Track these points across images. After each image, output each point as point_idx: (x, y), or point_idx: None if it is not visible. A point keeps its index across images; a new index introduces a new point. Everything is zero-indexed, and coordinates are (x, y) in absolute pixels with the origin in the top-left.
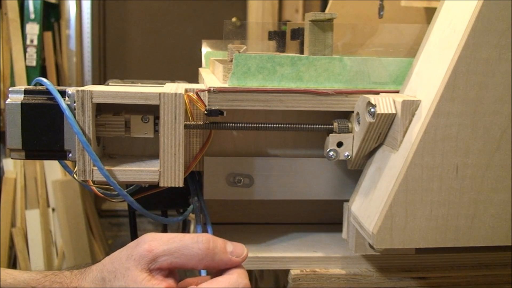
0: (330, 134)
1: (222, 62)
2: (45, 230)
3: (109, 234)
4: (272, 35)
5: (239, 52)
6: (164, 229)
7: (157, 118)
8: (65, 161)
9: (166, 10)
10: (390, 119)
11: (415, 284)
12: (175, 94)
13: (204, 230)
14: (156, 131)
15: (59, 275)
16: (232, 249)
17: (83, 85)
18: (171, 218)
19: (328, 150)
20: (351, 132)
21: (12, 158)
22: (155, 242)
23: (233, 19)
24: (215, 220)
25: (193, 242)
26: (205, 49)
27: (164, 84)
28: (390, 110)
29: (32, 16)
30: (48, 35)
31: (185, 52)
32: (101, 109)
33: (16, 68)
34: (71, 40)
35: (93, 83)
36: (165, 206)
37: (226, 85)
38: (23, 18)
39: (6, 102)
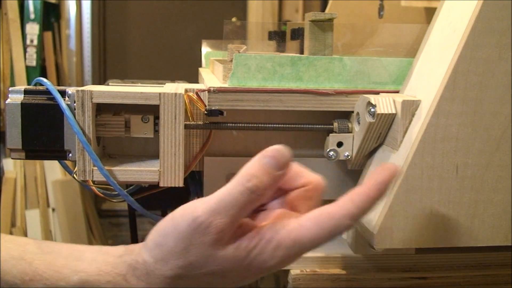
0: (330, 134)
1: (222, 62)
2: (45, 230)
3: (109, 234)
4: (272, 35)
5: (239, 52)
6: None
7: (157, 118)
8: (65, 161)
9: (166, 10)
10: (390, 119)
11: (415, 284)
12: (175, 94)
13: None
14: (156, 131)
15: (118, 273)
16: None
17: (83, 85)
18: None
19: (328, 150)
20: (351, 132)
21: (12, 158)
22: (218, 218)
23: (233, 19)
24: None
25: (237, 190)
26: (205, 49)
27: (164, 84)
28: (390, 110)
29: (32, 16)
30: (48, 35)
31: (185, 52)
32: (101, 109)
33: (16, 68)
34: (71, 40)
35: (93, 83)
36: (165, 206)
37: (226, 85)
38: (23, 18)
39: (6, 102)
